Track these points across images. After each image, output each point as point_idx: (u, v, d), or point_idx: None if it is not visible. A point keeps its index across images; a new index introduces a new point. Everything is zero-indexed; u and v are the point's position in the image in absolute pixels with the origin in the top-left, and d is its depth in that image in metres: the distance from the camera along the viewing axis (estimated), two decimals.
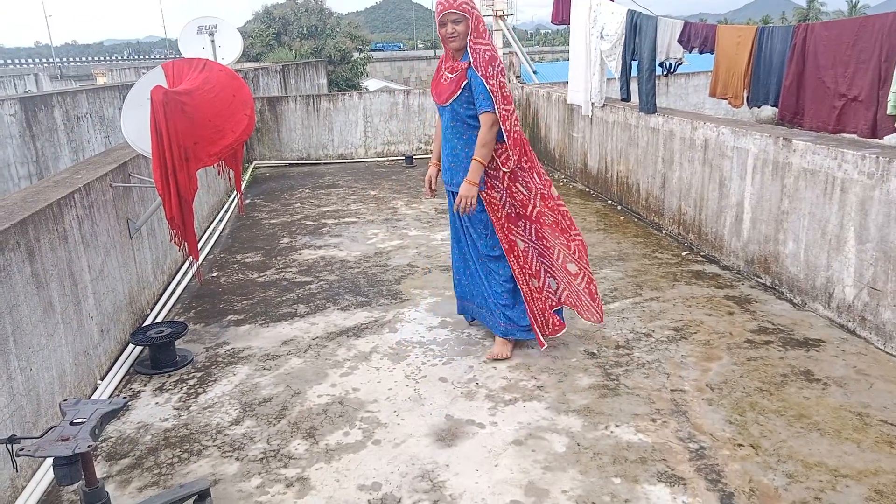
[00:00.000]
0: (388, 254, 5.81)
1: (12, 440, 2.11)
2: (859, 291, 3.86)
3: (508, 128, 3.48)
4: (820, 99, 4.62)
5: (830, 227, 4.06)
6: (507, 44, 13.33)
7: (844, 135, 4.43)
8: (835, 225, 4.02)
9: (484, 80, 3.37)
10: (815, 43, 4.62)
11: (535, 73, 12.75)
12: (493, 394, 3.43)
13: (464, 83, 3.47)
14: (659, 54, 6.17)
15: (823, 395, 3.30)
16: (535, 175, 3.68)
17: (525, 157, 3.64)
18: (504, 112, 3.43)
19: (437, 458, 2.91)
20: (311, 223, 6.97)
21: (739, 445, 2.92)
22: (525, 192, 3.66)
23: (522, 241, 3.74)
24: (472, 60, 3.42)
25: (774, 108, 5.18)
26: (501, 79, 3.44)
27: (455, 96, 3.51)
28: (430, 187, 3.95)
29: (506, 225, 3.67)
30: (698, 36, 5.94)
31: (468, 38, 3.44)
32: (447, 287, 4.91)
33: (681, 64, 6.46)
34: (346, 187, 8.73)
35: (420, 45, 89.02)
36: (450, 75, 3.56)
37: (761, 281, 4.75)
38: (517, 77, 11.59)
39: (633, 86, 6.66)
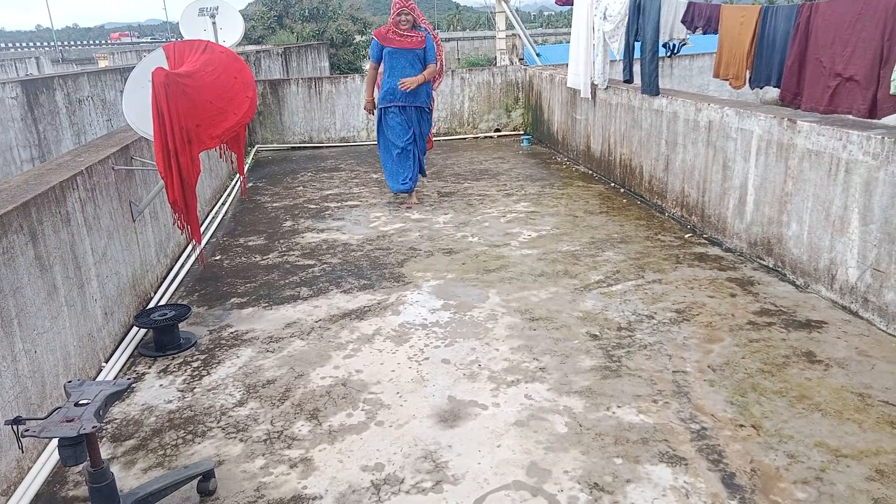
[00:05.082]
0: (391, 237, 5.81)
1: (17, 421, 2.12)
2: (862, 273, 3.85)
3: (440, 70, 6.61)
4: (815, 79, 4.57)
5: (834, 209, 4.04)
6: (510, 26, 13.19)
7: (850, 116, 4.39)
8: (839, 206, 4.01)
9: (435, 45, 6.38)
10: (818, 22, 4.56)
11: (538, 55, 12.63)
12: (496, 375, 3.45)
13: (424, 45, 6.30)
14: (662, 35, 6.12)
15: (825, 376, 3.31)
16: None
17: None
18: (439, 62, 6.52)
19: (440, 439, 2.93)
20: (314, 206, 6.97)
21: (741, 426, 2.93)
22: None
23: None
24: (426, 33, 6.36)
25: (777, 89, 5.14)
26: (439, 45, 6.52)
27: (416, 48, 6.28)
28: (372, 111, 6.65)
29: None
30: (702, 16, 5.88)
31: (415, 21, 6.26)
32: (450, 270, 4.91)
33: (684, 45, 6.40)
34: (349, 170, 8.71)
35: None
36: (410, 35, 6.26)
37: (764, 263, 4.75)
38: (520, 59, 11.51)
39: (637, 67, 6.61)
